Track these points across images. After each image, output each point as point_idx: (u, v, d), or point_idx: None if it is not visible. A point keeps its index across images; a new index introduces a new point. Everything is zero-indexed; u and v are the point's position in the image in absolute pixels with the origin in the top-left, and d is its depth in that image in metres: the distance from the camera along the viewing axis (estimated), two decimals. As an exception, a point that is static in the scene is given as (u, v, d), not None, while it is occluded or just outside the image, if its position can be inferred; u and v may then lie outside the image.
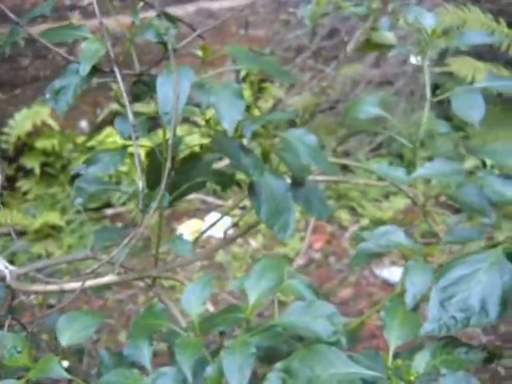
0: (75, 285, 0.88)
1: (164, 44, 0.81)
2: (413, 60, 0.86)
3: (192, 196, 2.85)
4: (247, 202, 3.02)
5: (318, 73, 2.92)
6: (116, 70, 0.80)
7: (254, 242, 2.59)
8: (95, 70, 0.81)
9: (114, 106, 2.94)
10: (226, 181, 0.95)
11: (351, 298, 2.30)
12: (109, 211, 2.61)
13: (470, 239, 0.72)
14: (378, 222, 2.45)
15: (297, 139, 0.87)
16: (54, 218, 2.52)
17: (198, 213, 2.80)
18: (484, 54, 2.67)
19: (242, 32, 3.24)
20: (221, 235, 3.10)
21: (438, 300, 0.57)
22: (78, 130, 2.82)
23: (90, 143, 2.67)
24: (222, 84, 0.80)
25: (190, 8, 3.23)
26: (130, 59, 0.89)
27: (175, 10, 3.18)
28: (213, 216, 2.71)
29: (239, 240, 2.63)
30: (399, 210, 2.50)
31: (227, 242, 1.02)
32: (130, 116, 0.80)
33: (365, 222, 2.52)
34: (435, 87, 3.03)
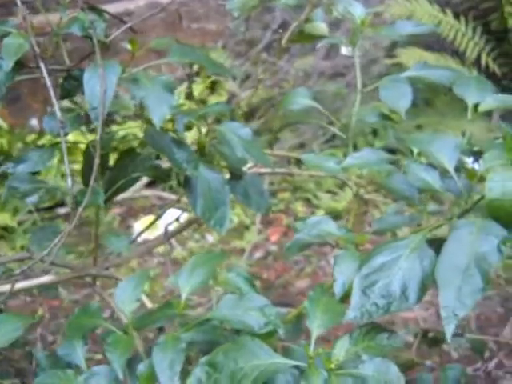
0: (9, 287, 0.86)
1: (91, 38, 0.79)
2: (344, 51, 0.87)
3: (148, 192, 2.83)
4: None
5: (270, 66, 2.92)
6: (41, 65, 0.78)
7: (211, 237, 2.58)
8: (20, 66, 0.79)
9: (65, 103, 2.89)
10: (162, 175, 0.94)
11: (308, 289, 2.32)
12: (62, 210, 2.56)
13: (398, 226, 0.73)
14: (332, 213, 2.47)
15: (231, 131, 0.87)
16: (5, 219, 2.46)
17: (155, 209, 2.78)
18: (432, 44, 2.72)
19: (194, 26, 3.21)
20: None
21: (360, 287, 0.57)
22: (28, 128, 2.76)
23: (41, 141, 2.61)
24: (152, 78, 0.79)
25: (141, 2, 3.19)
26: (68, 54, 0.88)
27: (126, 4, 3.14)
28: (169, 212, 2.69)
29: (196, 235, 2.62)
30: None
31: (168, 236, 1.01)
32: (58, 112, 0.78)
33: (320, 212, 2.54)
34: (387, 78, 2.98)
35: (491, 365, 1.87)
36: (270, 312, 0.67)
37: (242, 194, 0.96)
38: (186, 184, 0.87)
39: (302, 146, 2.87)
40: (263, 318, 0.67)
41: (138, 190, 2.79)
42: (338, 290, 0.65)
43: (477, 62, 2.70)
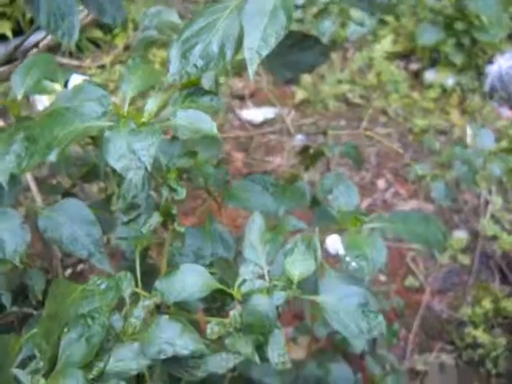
0: None
1: None
2: None
3: (46, 60, 2.68)
4: (105, 60, 2.83)
5: None
6: None
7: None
8: None
9: None
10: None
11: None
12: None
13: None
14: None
15: None
16: None
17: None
18: None
19: None
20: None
21: (179, 52, 0.55)
22: None
23: None
24: None
25: None
26: None
27: None
28: (74, 78, 2.57)
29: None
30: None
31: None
32: None
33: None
34: None
35: (388, 194, 1.97)
36: (107, 101, 0.65)
37: (95, 5, 0.90)
38: (26, -7, 0.81)
39: None
40: (100, 107, 0.65)
41: (34, 57, 2.63)
42: (171, 71, 0.62)
43: None
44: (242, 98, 2.46)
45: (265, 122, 2.29)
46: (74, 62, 2.66)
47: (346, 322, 0.49)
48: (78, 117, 0.54)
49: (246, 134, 2.13)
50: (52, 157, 0.52)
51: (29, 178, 0.80)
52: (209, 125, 0.50)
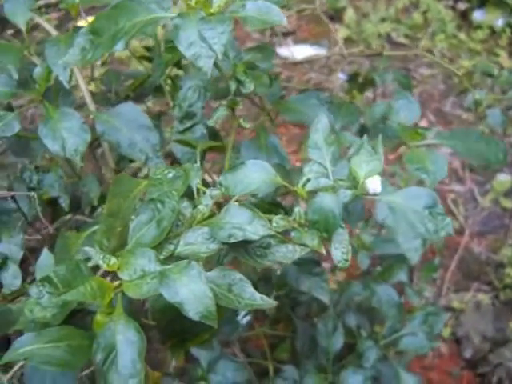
0: None
1: None
2: None
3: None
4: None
5: None
6: None
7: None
8: None
9: None
10: None
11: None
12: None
13: None
14: None
15: None
16: None
17: None
18: None
19: None
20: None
21: None
22: None
23: None
24: None
25: None
26: None
27: None
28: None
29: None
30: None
31: None
32: None
33: None
34: None
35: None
36: (167, 5, 0.64)
37: None
38: None
39: None
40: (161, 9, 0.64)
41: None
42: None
43: None
44: (282, 35, 2.41)
45: (306, 60, 2.24)
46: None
47: (413, 221, 0.48)
48: (144, 8, 0.53)
49: (292, 60, 2.08)
50: (118, 47, 0.52)
51: (83, 88, 0.80)
52: (279, 16, 0.49)
